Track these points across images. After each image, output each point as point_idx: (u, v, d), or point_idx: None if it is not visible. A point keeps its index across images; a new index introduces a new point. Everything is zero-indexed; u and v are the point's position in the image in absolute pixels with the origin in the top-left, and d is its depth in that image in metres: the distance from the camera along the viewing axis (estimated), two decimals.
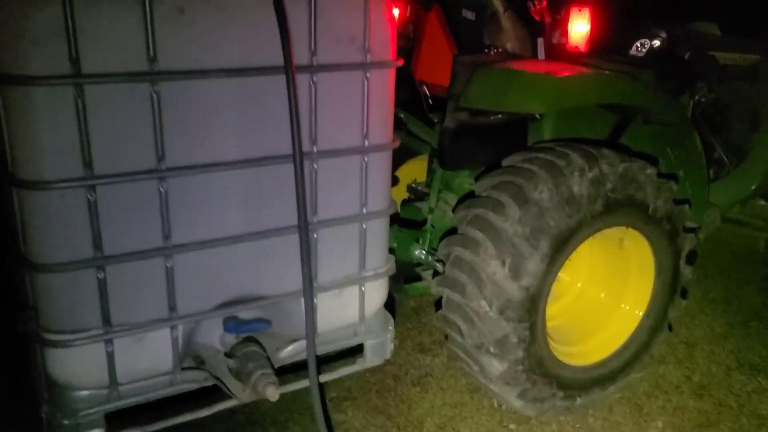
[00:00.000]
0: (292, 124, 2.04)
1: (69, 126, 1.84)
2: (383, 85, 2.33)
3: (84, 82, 1.81)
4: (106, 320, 2.05)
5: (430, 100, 3.49)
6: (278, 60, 2.04)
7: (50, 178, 1.87)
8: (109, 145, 1.91)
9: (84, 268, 1.98)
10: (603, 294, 3.25)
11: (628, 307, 3.16)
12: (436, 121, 3.47)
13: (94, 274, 1.99)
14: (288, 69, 1.99)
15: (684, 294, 3.27)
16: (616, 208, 2.82)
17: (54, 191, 1.89)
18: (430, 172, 3.64)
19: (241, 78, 2.05)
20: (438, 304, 3.06)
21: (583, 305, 3.28)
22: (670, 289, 3.16)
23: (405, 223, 3.43)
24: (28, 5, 1.75)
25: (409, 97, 3.50)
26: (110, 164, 1.93)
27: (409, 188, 3.80)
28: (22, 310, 2.09)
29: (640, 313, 3.13)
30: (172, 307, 2.15)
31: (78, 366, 2.08)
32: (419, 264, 3.52)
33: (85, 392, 2.12)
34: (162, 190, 2.02)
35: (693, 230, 3.18)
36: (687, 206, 3.10)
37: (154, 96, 1.92)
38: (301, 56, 2.10)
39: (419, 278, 3.54)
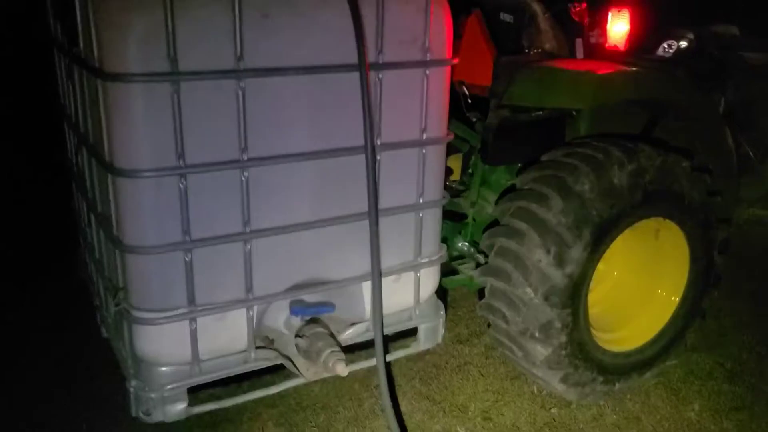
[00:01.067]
0: (365, 118, 2.21)
1: (164, 119, 2.02)
2: (441, 82, 2.49)
3: (180, 79, 1.99)
4: (191, 300, 2.22)
5: (468, 100, 3.64)
6: (349, 59, 2.21)
7: (146, 167, 2.05)
8: (198, 137, 2.08)
9: (173, 251, 2.15)
10: (639, 282, 3.38)
11: (664, 294, 3.30)
12: (474, 119, 3.62)
13: (182, 256, 2.17)
14: (362, 66, 2.16)
15: (717, 283, 3.41)
16: (654, 200, 2.96)
17: (149, 180, 2.06)
18: (465, 169, 3.79)
19: (316, 75, 2.21)
20: (480, 294, 3.21)
21: (621, 293, 3.41)
22: (704, 277, 3.30)
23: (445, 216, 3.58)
24: (132, 10, 1.93)
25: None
26: (199, 155, 2.10)
27: (444, 185, 3.95)
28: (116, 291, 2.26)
29: (676, 300, 3.26)
30: (248, 289, 2.32)
31: (164, 343, 2.25)
32: (456, 258, 3.67)
33: (169, 368, 2.30)
34: (243, 179, 2.19)
35: (725, 221, 3.32)
36: (719, 198, 3.24)
37: (240, 92, 2.09)
38: (369, 55, 2.27)
39: (455, 272, 3.69)
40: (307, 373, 2.44)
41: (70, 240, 3.45)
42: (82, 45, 2.24)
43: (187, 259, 2.17)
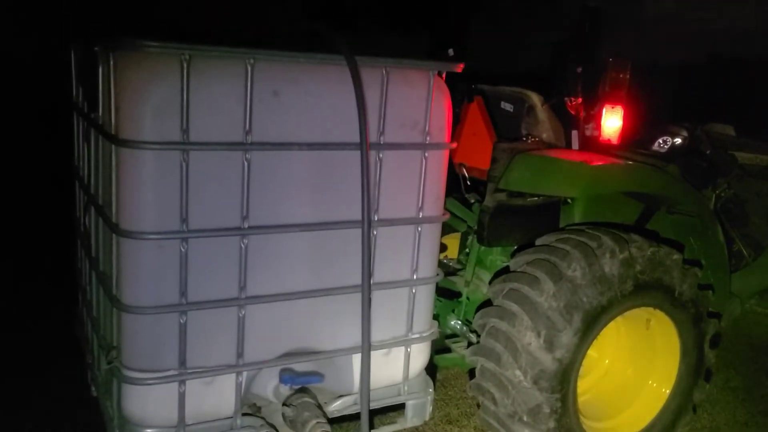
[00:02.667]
0: (363, 194, 2.30)
1: (172, 185, 2.11)
2: (439, 164, 2.61)
3: (190, 149, 2.10)
4: (182, 362, 2.25)
5: (468, 182, 3.77)
6: (352, 137, 2.33)
7: (151, 229, 2.13)
8: (202, 203, 2.17)
9: (168, 312, 2.20)
10: (630, 371, 3.38)
11: (655, 386, 3.30)
12: (472, 201, 3.74)
13: (177, 318, 2.21)
14: (363, 146, 2.27)
15: (708, 377, 3.41)
16: (645, 290, 3.02)
17: (152, 241, 2.14)
18: (463, 248, 3.87)
19: (318, 152, 2.33)
20: (471, 374, 3.21)
21: (611, 382, 3.41)
22: (695, 371, 3.30)
23: (439, 294, 3.62)
24: (150, 81, 2.07)
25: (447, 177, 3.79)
26: (202, 220, 2.18)
27: (440, 263, 4.02)
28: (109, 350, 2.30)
29: (667, 392, 3.26)
30: (240, 354, 2.35)
31: (152, 404, 2.26)
32: (449, 336, 3.69)
33: (155, 430, 2.29)
34: (243, 245, 2.26)
35: (716, 315, 3.35)
36: (710, 292, 3.29)
37: (245, 163, 2.20)
38: (370, 135, 2.39)
39: (448, 350, 3.70)
40: None
41: (69, 297, 3.50)
42: (100, 110, 2.37)
43: (181, 321, 2.21)
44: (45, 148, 6.30)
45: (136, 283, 2.19)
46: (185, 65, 2.04)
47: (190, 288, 2.21)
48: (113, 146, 2.15)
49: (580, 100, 3.41)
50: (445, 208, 2.71)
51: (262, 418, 2.47)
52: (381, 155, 2.45)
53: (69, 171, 3.23)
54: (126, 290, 2.20)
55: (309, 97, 2.27)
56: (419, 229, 2.61)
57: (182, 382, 2.26)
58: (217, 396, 2.35)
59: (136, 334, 2.22)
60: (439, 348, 3.63)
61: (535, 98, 3.55)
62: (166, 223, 2.13)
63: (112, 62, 2.19)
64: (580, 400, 3.12)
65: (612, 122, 3.34)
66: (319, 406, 2.47)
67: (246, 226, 2.25)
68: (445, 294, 3.69)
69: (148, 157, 2.09)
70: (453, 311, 3.64)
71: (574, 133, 3.45)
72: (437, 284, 2.85)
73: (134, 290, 2.19)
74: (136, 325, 2.21)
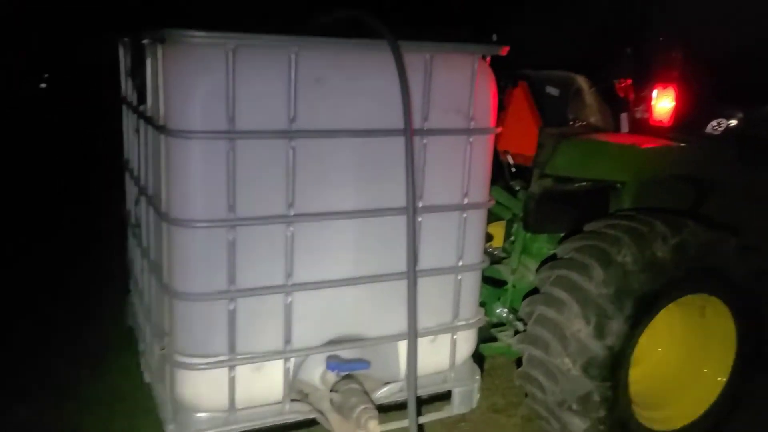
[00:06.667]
0: (407, 181, 2.29)
1: (219, 174, 2.14)
2: (483, 150, 2.58)
3: (236, 137, 2.12)
4: (232, 348, 2.29)
5: (513, 168, 3.72)
6: (396, 124, 2.32)
7: (199, 217, 2.16)
8: (249, 192, 2.20)
9: (218, 299, 2.24)
10: (685, 360, 3.30)
11: (710, 374, 3.20)
12: (517, 188, 3.69)
13: (226, 305, 2.25)
14: (407, 132, 2.26)
15: (766, 365, 3.29)
16: (699, 276, 2.93)
17: (201, 230, 2.17)
18: (508, 236, 3.83)
19: (363, 138, 2.32)
20: (518, 364, 3.18)
21: (665, 370, 3.33)
22: (753, 358, 3.19)
23: (485, 282, 3.59)
24: (197, 72, 2.09)
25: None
26: (248, 208, 2.21)
27: (485, 251, 3.99)
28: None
29: (723, 380, 3.16)
30: (287, 341, 2.38)
31: (203, 388, 2.31)
32: (495, 325, 3.66)
33: (206, 414, 2.34)
34: (289, 233, 2.28)
35: None
36: None
37: (290, 151, 2.21)
38: (415, 121, 2.37)
39: (494, 339, 3.67)
40: (340, 429, 2.45)
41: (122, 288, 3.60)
42: (149, 102, 2.42)
43: (230, 307, 2.25)
44: (97, 142, 6.49)
45: (186, 270, 2.23)
46: (231, 55, 2.06)
47: (239, 275, 2.24)
48: (162, 137, 2.20)
49: (629, 81, 3.33)
50: (490, 195, 2.68)
51: (310, 404, 2.49)
52: (425, 141, 2.43)
53: (120, 164, 3.31)
54: (176, 278, 2.25)
55: (353, 83, 2.26)
56: (464, 215, 2.59)
57: (232, 368, 2.30)
58: (265, 381, 2.38)
59: (187, 321, 2.27)
60: (485, 337, 3.61)
61: (582, 81, 3.47)
62: (215, 212, 2.17)
63: (159, 55, 2.22)
64: (632, 389, 3.05)
65: (664, 104, 3.24)
66: (366, 393, 2.47)
67: (291, 213, 2.27)
68: (491, 282, 3.65)
69: (196, 146, 2.12)
70: (499, 299, 3.61)
71: (624, 116, 3.37)
72: (483, 272, 2.82)
73: (184, 277, 2.23)
74: (186, 311, 2.26)
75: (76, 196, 7.69)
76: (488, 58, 2.55)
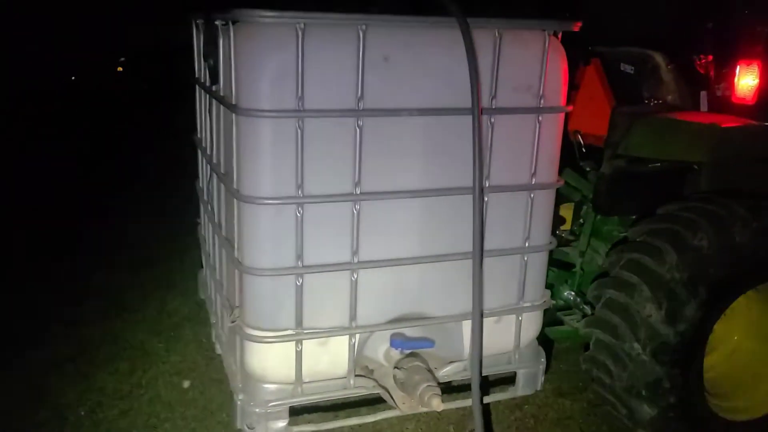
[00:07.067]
0: (474, 160, 2.27)
1: (288, 152, 2.18)
2: (553, 129, 2.52)
3: (305, 116, 2.15)
4: (299, 323, 2.34)
5: (583, 149, 3.62)
6: (463, 102, 2.29)
7: (269, 195, 2.21)
8: (316, 170, 2.23)
9: (286, 275, 2.29)
10: (763, 349, 3.16)
11: None
12: (588, 169, 3.59)
13: (294, 280, 2.30)
14: (475, 110, 2.24)
15: None
16: None
17: (270, 207, 2.23)
18: (577, 218, 3.74)
19: (430, 117, 2.31)
20: (585, 348, 3.12)
21: (742, 359, 3.20)
22: None
23: (553, 265, 3.53)
24: (267, 52, 2.13)
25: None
26: (316, 186, 2.24)
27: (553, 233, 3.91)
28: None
29: None
30: (352, 317, 2.41)
31: (272, 361, 2.38)
32: (562, 308, 3.60)
33: (275, 386, 2.42)
34: (355, 211, 2.30)
35: None
36: None
37: (358, 130, 2.23)
38: (483, 100, 2.34)
39: (561, 323, 3.61)
40: (403, 406, 2.48)
41: (196, 262, 3.74)
42: (222, 83, 2.48)
43: (298, 283, 2.30)
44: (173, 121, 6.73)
45: (255, 246, 2.29)
46: (300, 34, 2.09)
47: (306, 252, 2.28)
48: (234, 116, 2.25)
49: (710, 57, 3.17)
50: (560, 176, 2.63)
51: (374, 380, 2.52)
52: (493, 120, 2.40)
53: (193, 143, 3.42)
54: (247, 253, 2.32)
55: (420, 61, 2.25)
56: (532, 195, 2.55)
57: (299, 342, 2.36)
58: (331, 356, 2.44)
59: (256, 295, 2.34)
60: (551, 320, 3.56)
61: (659, 58, 3.33)
62: (283, 189, 2.21)
63: (231, 35, 2.27)
64: (706, 376, 2.95)
65: (747, 81, 3.07)
66: (430, 371, 2.49)
67: (358, 192, 2.29)
68: (559, 265, 3.59)
69: (266, 125, 2.16)
70: (566, 282, 3.54)
71: (703, 94, 3.22)
72: (550, 254, 2.78)
73: (254, 253, 2.30)
74: (256, 286, 2.32)
75: (150, 175, 8.00)
76: (560, 35, 2.48)
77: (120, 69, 17.43)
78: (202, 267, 3.48)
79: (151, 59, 15.54)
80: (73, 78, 15.96)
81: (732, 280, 2.74)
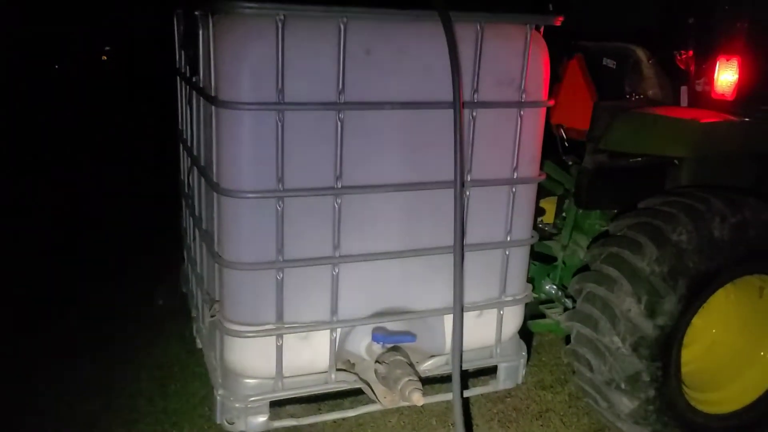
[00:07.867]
0: (456, 154, 2.27)
1: (268, 145, 2.16)
2: (535, 123, 2.52)
3: (286, 109, 2.13)
4: (279, 317, 2.33)
5: (565, 143, 3.63)
6: (445, 96, 2.29)
7: (249, 188, 2.19)
8: (297, 164, 2.21)
9: (266, 269, 2.28)
10: (740, 342, 3.20)
11: (767, 358, 3.10)
12: (570, 163, 3.60)
13: (274, 274, 2.28)
14: (456, 104, 2.23)
15: None
16: (759, 256, 2.82)
17: (250, 200, 2.21)
18: (559, 212, 3.75)
19: (412, 111, 2.30)
20: (566, 341, 3.14)
21: (719, 352, 3.24)
22: None
23: (535, 258, 3.55)
24: (247, 44, 2.11)
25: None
26: (297, 180, 2.23)
27: (535, 227, 3.93)
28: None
29: None
30: (333, 311, 2.41)
31: (252, 356, 2.37)
32: (544, 301, 3.61)
33: (255, 380, 2.41)
34: (336, 205, 2.29)
35: None
36: None
37: (339, 123, 2.21)
38: (464, 94, 2.34)
39: (542, 316, 3.63)
40: (384, 400, 2.48)
41: (176, 256, 3.71)
42: (201, 74, 2.45)
43: (278, 277, 2.28)
44: (152, 114, 6.66)
45: (236, 240, 2.27)
46: (280, 26, 2.06)
47: (287, 245, 2.27)
48: (213, 108, 2.22)
49: (691, 53, 3.18)
50: (542, 170, 2.63)
51: (356, 374, 2.52)
52: (475, 113, 2.39)
53: (174, 135, 3.39)
54: (227, 247, 2.30)
55: (402, 54, 2.24)
56: (513, 189, 2.55)
57: (279, 336, 2.34)
58: (312, 351, 2.42)
59: (236, 289, 2.32)
60: (533, 314, 3.58)
61: (641, 53, 3.34)
62: (263, 183, 2.19)
63: (211, 26, 2.25)
64: (684, 370, 2.98)
65: (726, 76, 3.08)
66: (411, 365, 2.49)
67: (339, 185, 2.27)
68: (541, 258, 3.61)
69: (246, 117, 2.14)
70: (548, 276, 3.56)
71: (684, 89, 3.23)
72: (532, 248, 2.78)
73: (234, 247, 2.28)
74: (236, 280, 2.31)
75: (131, 165, 7.92)
76: (542, 29, 2.48)
77: (104, 58, 17.24)
78: (183, 260, 3.46)
79: (136, 48, 15.40)
80: (56, 66, 15.76)
81: (710, 273, 2.76)
